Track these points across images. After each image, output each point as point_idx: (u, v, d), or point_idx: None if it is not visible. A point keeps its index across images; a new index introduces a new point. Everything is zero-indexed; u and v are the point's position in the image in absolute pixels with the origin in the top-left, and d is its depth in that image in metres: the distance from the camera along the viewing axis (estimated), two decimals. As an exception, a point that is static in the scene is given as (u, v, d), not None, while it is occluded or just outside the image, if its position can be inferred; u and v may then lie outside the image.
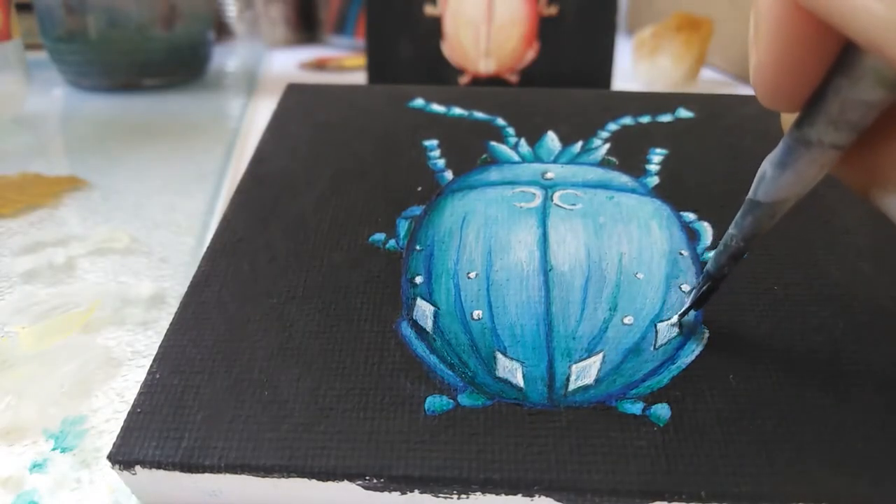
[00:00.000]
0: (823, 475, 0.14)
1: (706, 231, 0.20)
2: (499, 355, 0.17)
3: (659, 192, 0.22)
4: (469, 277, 0.19)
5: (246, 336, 0.17)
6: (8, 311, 0.23)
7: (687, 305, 0.17)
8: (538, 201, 0.21)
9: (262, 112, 0.47)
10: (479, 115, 0.26)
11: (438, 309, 0.18)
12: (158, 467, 0.14)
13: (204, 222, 0.30)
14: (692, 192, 0.22)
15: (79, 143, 0.41)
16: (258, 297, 0.18)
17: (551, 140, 0.25)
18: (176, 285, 0.25)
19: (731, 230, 0.14)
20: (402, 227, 0.21)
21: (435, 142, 0.25)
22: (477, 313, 0.18)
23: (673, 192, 0.22)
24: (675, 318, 0.17)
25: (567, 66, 0.47)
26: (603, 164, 0.23)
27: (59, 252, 0.27)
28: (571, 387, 0.16)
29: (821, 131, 0.11)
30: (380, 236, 0.20)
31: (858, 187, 0.13)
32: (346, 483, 0.14)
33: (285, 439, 0.15)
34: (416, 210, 0.21)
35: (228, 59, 0.66)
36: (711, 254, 0.16)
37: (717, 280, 0.16)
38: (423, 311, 0.18)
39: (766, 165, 0.13)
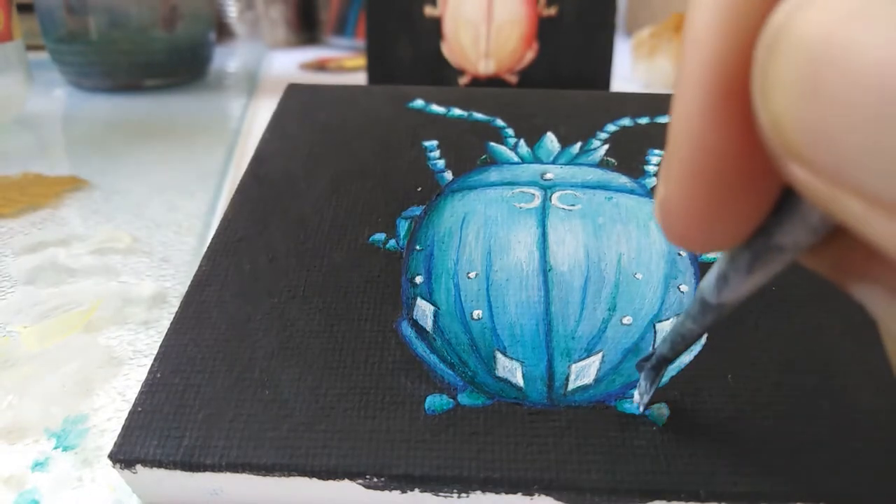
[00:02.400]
0: (822, 475, 0.14)
1: (705, 231, 0.20)
2: (498, 355, 0.17)
3: (658, 193, 0.22)
4: (469, 277, 0.19)
5: (247, 335, 0.17)
6: (10, 311, 0.23)
7: (649, 394, 0.15)
8: (537, 202, 0.21)
9: (262, 112, 0.47)
10: (478, 115, 0.26)
11: (438, 309, 0.18)
12: (159, 466, 0.14)
13: (205, 222, 0.30)
14: (691, 193, 0.22)
15: (80, 144, 0.41)
16: (259, 296, 0.18)
17: (550, 141, 0.25)
18: (177, 285, 0.25)
19: (689, 325, 0.13)
20: (402, 227, 0.21)
21: (435, 142, 0.25)
22: (477, 313, 0.18)
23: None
24: (640, 405, 0.15)
25: (566, 66, 0.47)
26: (602, 164, 0.23)
27: (61, 252, 0.27)
28: (571, 386, 0.16)
29: (798, 238, 0.09)
30: (380, 236, 0.20)
31: (828, 274, 0.11)
32: (346, 482, 0.14)
33: (286, 438, 0.15)
34: (416, 210, 0.21)
35: (229, 59, 0.66)
36: (661, 341, 0.15)
37: (670, 362, 0.15)
38: (424, 310, 0.18)
39: (727, 268, 0.11)
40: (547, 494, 0.14)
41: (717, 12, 0.08)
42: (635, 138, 0.24)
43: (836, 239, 0.10)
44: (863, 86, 0.06)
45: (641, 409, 0.15)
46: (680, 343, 0.14)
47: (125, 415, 0.16)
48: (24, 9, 0.49)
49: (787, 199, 0.09)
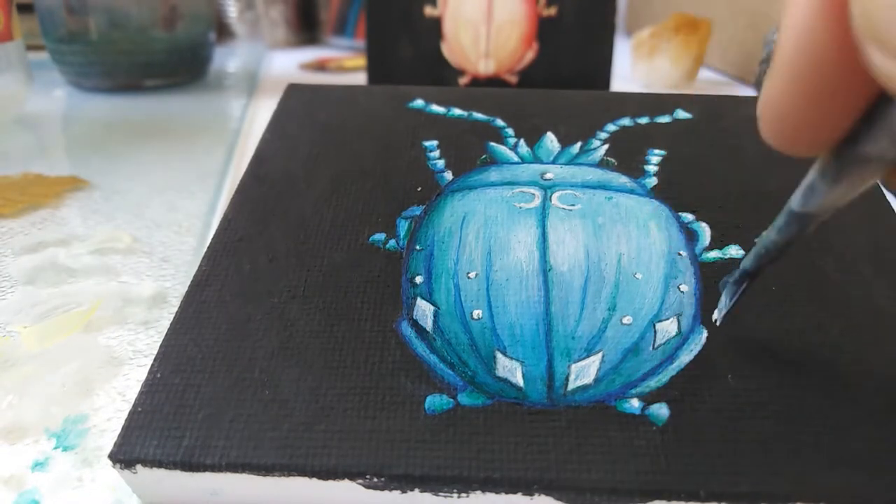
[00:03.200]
0: (822, 475, 0.14)
1: (704, 232, 0.20)
2: (498, 355, 0.17)
3: (657, 193, 0.22)
4: (469, 277, 0.19)
5: (247, 335, 0.17)
6: (10, 311, 0.23)
7: (730, 306, 0.16)
8: (537, 202, 0.21)
9: (262, 112, 0.47)
10: (478, 115, 0.26)
11: (438, 308, 0.18)
12: (159, 466, 0.14)
13: (205, 222, 0.30)
14: (691, 193, 0.22)
15: (80, 144, 0.41)
16: (259, 296, 0.18)
17: (550, 141, 0.25)
18: (177, 285, 0.25)
19: (773, 236, 0.14)
20: (402, 227, 0.21)
21: (435, 142, 0.25)
22: (477, 313, 0.18)
23: (671, 193, 0.22)
24: (718, 319, 0.17)
25: (566, 67, 0.47)
26: (602, 164, 0.23)
27: (61, 252, 0.27)
28: (571, 386, 0.16)
29: (883, 148, 0.10)
30: (380, 236, 0.20)
31: None
32: (346, 482, 0.14)
33: (286, 438, 0.15)
34: (416, 210, 0.21)
35: (229, 59, 0.66)
36: (746, 257, 0.15)
37: (753, 278, 0.16)
38: (423, 310, 0.18)
39: (815, 177, 0.12)
40: (547, 494, 0.14)
41: None
42: (635, 138, 0.24)
43: None
44: None
45: (719, 321, 0.16)
46: (764, 256, 0.15)
47: (125, 415, 0.16)
48: (24, 9, 0.49)
49: (875, 111, 0.10)
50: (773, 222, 0.14)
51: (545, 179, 0.22)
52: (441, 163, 0.24)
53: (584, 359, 0.17)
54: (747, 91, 0.56)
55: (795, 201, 0.13)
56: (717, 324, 0.16)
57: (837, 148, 0.11)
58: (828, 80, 0.10)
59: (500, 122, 0.26)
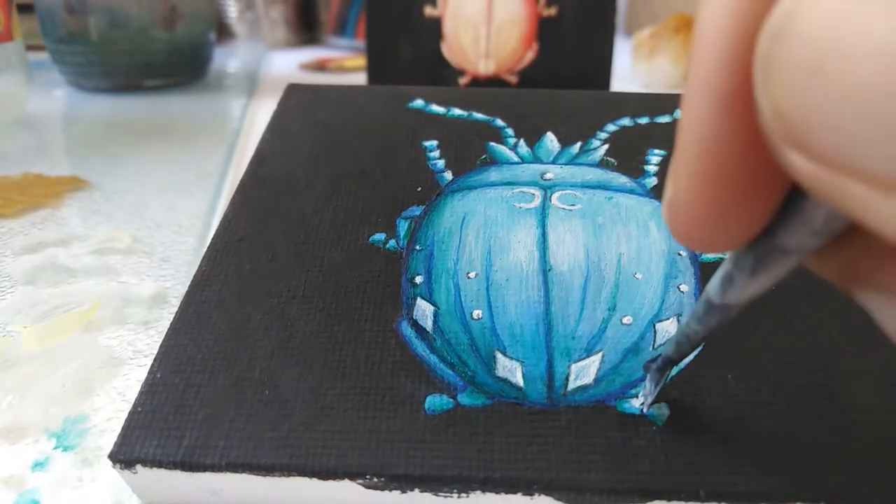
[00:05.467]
0: (821, 475, 0.14)
1: (705, 231, 0.20)
2: (498, 355, 0.17)
3: (657, 193, 0.22)
4: (469, 277, 0.19)
5: (247, 335, 0.17)
6: (10, 311, 0.23)
7: (654, 395, 0.15)
8: (537, 202, 0.21)
9: (262, 113, 0.47)
10: (478, 115, 0.26)
11: (438, 308, 0.18)
12: (159, 466, 0.14)
13: (205, 222, 0.30)
14: (691, 193, 0.22)
15: (80, 144, 0.41)
16: (259, 296, 0.18)
17: (550, 141, 0.25)
18: (177, 285, 0.25)
19: (694, 326, 0.13)
20: (402, 227, 0.21)
21: (434, 142, 0.25)
22: (477, 313, 0.18)
23: (672, 193, 0.22)
24: (643, 405, 0.15)
25: (566, 67, 0.47)
26: (602, 164, 0.23)
27: (61, 252, 0.27)
28: (571, 386, 0.16)
29: (802, 240, 0.09)
30: (380, 236, 0.20)
31: (835, 280, 0.11)
32: (346, 482, 0.14)
33: (286, 438, 0.15)
34: (416, 210, 0.21)
35: (229, 60, 0.66)
36: (668, 343, 0.15)
37: (676, 363, 0.15)
38: (423, 310, 0.18)
39: (732, 268, 0.11)
40: (547, 494, 0.14)
41: (724, 13, 0.08)
42: (635, 138, 0.24)
43: (842, 245, 0.10)
44: (866, 68, 0.06)
45: (645, 409, 0.15)
46: (685, 344, 0.14)
47: (125, 415, 0.16)
48: (24, 9, 0.49)
49: (791, 202, 0.09)
50: (693, 311, 0.13)
51: (545, 179, 0.22)
52: (441, 163, 0.24)
53: (584, 359, 0.17)
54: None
55: (713, 292, 0.12)
56: (644, 411, 0.15)
57: (754, 242, 0.10)
58: (738, 181, 0.09)
59: (500, 122, 0.26)
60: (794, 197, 0.09)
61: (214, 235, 0.21)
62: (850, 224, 0.09)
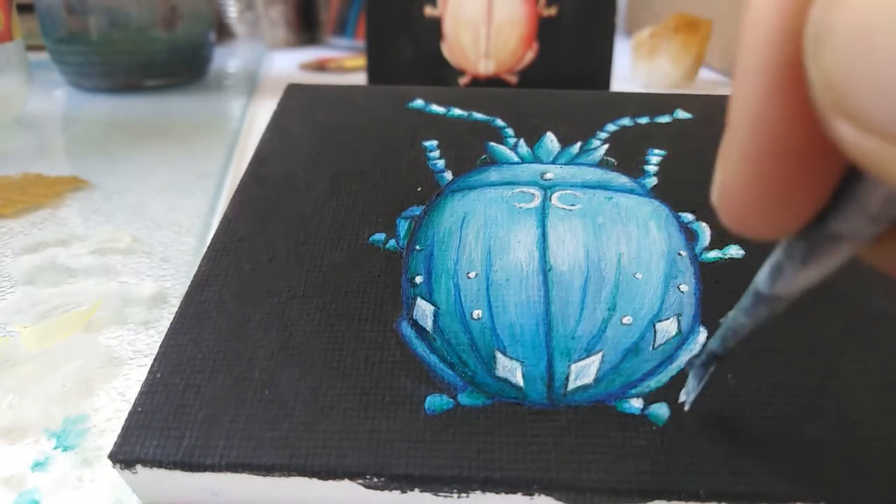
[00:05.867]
0: (822, 474, 0.14)
1: (704, 231, 0.20)
2: (498, 355, 0.17)
3: (657, 193, 0.22)
4: (469, 277, 0.19)
5: (247, 335, 0.17)
6: (10, 311, 0.23)
7: (698, 389, 0.15)
8: (537, 202, 0.21)
9: (262, 113, 0.47)
10: (478, 115, 0.26)
11: (438, 308, 0.18)
12: (159, 466, 0.14)
13: (205, 222, 0.30)
14: (690, 193, 0.22)
15: (80, 144, 0.41)
16: (259, 296, 0.18)
17: (550, 141, 0.25)
18: (177, 285, 0.25)
19: (741, 319, 0.13)
20: (402, 227, 0.21)
21: (434, 142, 0.25)
22: (477, 313, 0.18)
23: (671, 193, 0.22)
24: (687, 403, 0.15)
25: (566, 66, 0.47)
26: (602, 164, 0.23)
27: (61, 252, 0.27)
28: (571, 386, 0.16)
29: (857, 227, 0.09)
30: (380, 236, 0.20)
31: (889, 269, 0.10)
32: (346, 482, 0.14)
33: (286, 438, 0.15)
34: (416, 210, 0.21)
35: (229, 60, 0.66)
36: (713, 338, 0.14)
37: (722, 360, 0.14)
38: (423, 310, 0.18)
39: (782, 257, 0.11)
40: (547, 494, 0.14)
41: None
42: (635, 138, 0.24)
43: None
44: None
45: (688, 406, 0.15)
46: (731, 339, 0.13)
47: (125, 415, 0.16)
48: (24, 9, 0.49)
49: (846, 186, 0.09)
50: (739, 302, 0.13)
51: (545, 179, 0.22)
52: (441, 163, 0.24)
53: (584, 359, 0.17)
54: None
55: (762, 282, 0.12)
56: (687, 408, 0.15)
57: (806, 229, 0.10)
58: (790, 163, 0.08)
59: (500, 122, 0.26)
60: (849, 180, 0.09)
61: (214, 235, 0.21)
62: None
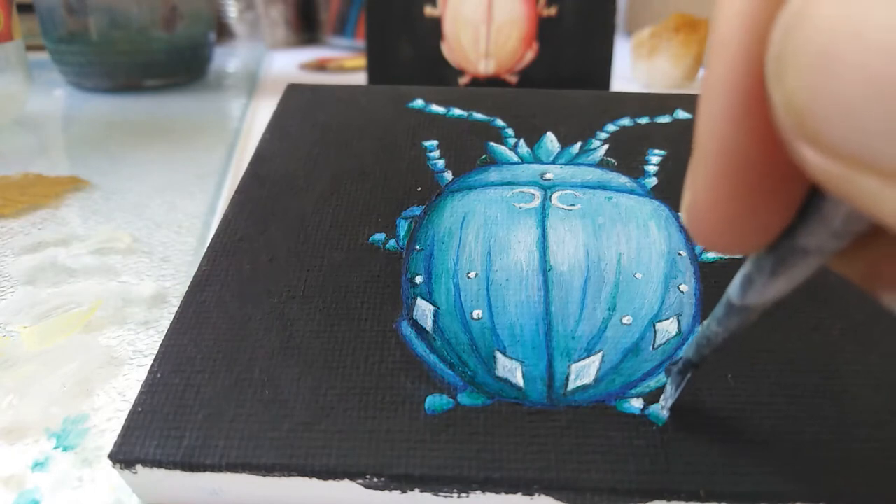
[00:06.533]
0: (822, 475, 0.14)
1: (705, 231, 0.20)
2: (498, 355, 0.17)
3: (657, 193, 0.22)
4: (469, 277, 0.19)
5: (247, 335, 0.17)
6: (10, 311, 0.23)
7: (675, 395, 0.15)
8: (537, 202, 0.21)
9: (262, 112, 0.47)
10: (478, 115, 0.26)
11: (438, 308, 0.18)
12: (159, 466, 0.15)
13: (205, 222, 0.30)
14: (691, 193, 0.22)
15: (80, 144, 0.41)
16: (259, 296, 0.18)
17: (550, 141, 0.25)
18: (177, 285, 0.25)
19: (714, 327, 0.13)
20: (402, 227, 0.21)
21: (434, 142, 0.25)
22: (477, 313, 0.18)
23: (671, 193, 0.22)
24: (664, 409, 0.15)
25: (566, 66, 0.47)
26: (601, 164, 0.23)
27: (61, 252, 0.27)
28: (571, 386, 0.16)
29: (821, 242, 0.09)
30: (380, 236, 0.20)
31: (858, 281, 0.11)
32: (346, 482, 0.14)
33: (286, 438, 0.15)
34: (416, 210, 0.21)
35: (229, 60, 0.66)
36: (688, 345, 0.15)
37: (697, 366, 0.15)
38: (423, 310, 0.18)
39: (752, 269, 0.11)
40: (547, 494, 0.14)
41: (738, 13, 0.08)
42: (635, 138, 0.24)
43: (865, 246, 0.10)
44: (876, 58, 0.06)
45: (665, 412, 0.15)
46: (705, 347, 0.14)
47: (125, 415, 0.16)
48: (24, 9, 0.49)
49: (811, 203, 0.09)
50: (713, 312, 0.13)
51: (545, 179, 0.22)
52: (441, 163, 0.24)
53: (584, 359, 0.17)
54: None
55: (734, 294, 0.12)
56: (664, 414, 0.15)
57: (774, 243, 0.10)
58: (757, 182, 0.09)
59: (500, 122, 0.26)
60: (814, 198, 0.09)
61: (214, 235, 0.21)
62: (872, 225, 0.09)
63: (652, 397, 0.16)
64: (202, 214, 0.31)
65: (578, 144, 0.24)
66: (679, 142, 0.24)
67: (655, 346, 0.17)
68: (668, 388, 0.15)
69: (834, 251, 0.10)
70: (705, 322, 0.14)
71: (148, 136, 0.42)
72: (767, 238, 0.10)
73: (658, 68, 0.54)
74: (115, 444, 0.15)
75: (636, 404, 0.15)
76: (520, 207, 0.21)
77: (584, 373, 0.16)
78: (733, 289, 0.12)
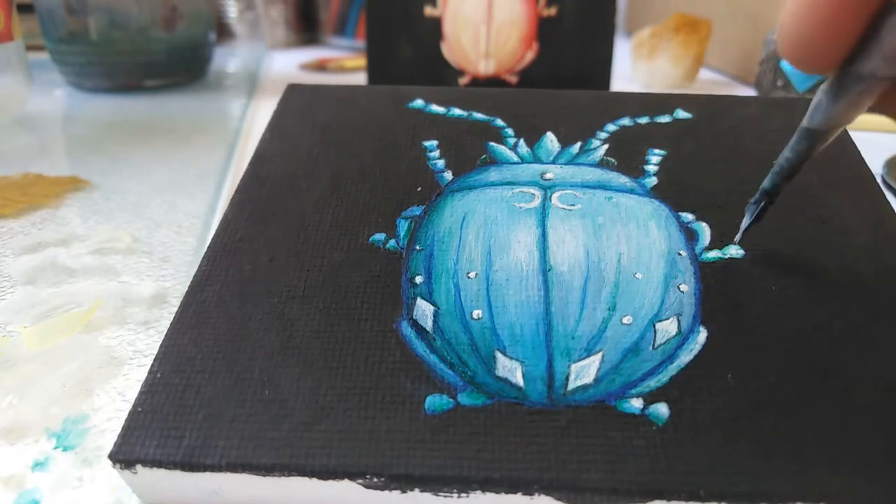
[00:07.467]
0: (822, 474, 0.14)
1: (704, 231, 0.20)
2: (498, 355, 0.17)
3: (657, 193, 0.22)
4: (469, 277, 0.19)
5: (247, 335, 0.17)
6: (10, 311, 0.23)
7: (748, 222, 0.18)
8: (537, 202, 0.21)
9: (262, 113, 0.47)
10: (478, 115, 0.26)
11: (438, 308, 0.18)
12: (159, 466, 0.15)
13: (205, 222, 0.30)
14: (690, 193, 0.22)
15: (80, 144, 0.41)
16: (259, 296, 0.18)
17: (550, 141, 0.25)
18: (177, 285, 0.25)
19: (786, 154, 0.16)
20: (402, 227, 0.21)
21: (434, 142, 0.25)
22: (477, 313, 0.18)
23: (671, 193, 0.22)
24: (738, 236, 0.19)
25: (566, 66, 0.47)
26: (601, 164, 0.23)
27: (61, 252, 0.27)
28: (571, 386, 0.16)
29: (875, 66, 0.12)
30: (380, 236, 0.20)
31: None
32: (346, 482, 0.14)
33: (286, 438, 0.15)
34: (416, 210, 0.21)
35: (229, 60, 0.66)
36: (767, 177, 0.18)
37: (772, 196, 0.18)
38: (423, 310, 0.18)
39: (821, 96, 0.14)
40: (547, 494, 0.14)
41: None
42: (635, 138, 0.24)
43: None
44: None
45: (738, 238, 0.19)
46: (779, 174, 0.17)
47: (125, 415, 0.16)
48: (24, 9, 0.49)
49: (870, 29, 0.11)
50: (788, 143, 0.16)
51: (545, 179, 0.22)
52: (441, 163, 0.24)
53: (584, 359, 0.17)
54: (747, 91, 0.56)
55: (805, 118, 0.15)
56: (736, 239, 0.18)
57: (839, 69, 0.12)
58: (831, 5, 0.11)
59: (499, 122, 0.26)
60: (873, 25, 0.11)
61: (214, 235, 0.21)
62: None
63: (652, 397, 0.16)
64: (202, 214, 0.31)
65: (578, 144, 0.24)
66: (679, 142, 0.24)
67: (655, 346, 0.17)
68: (745, 219, 0.18)
69: (885, 79, 0.12)
70: (781, 154, 0.16)
71: (148, 136, 0.42)
72: (837, 58, 0.12)
73: (658, 68, 0.54)
74: (115, 444, 0.15)
75: (636, 404, 0.15)
76: (520, 207, 0.21)
77: (584, 373, 0.16)
78: (806, 115, 0.15)
